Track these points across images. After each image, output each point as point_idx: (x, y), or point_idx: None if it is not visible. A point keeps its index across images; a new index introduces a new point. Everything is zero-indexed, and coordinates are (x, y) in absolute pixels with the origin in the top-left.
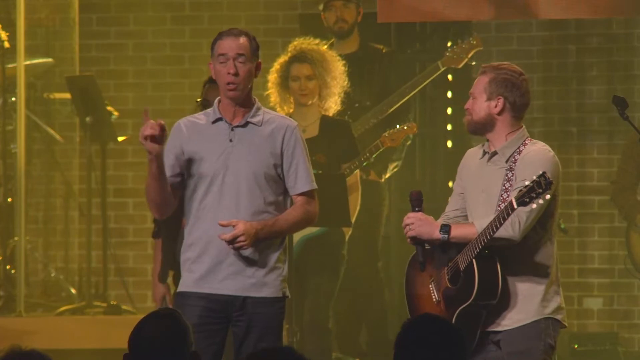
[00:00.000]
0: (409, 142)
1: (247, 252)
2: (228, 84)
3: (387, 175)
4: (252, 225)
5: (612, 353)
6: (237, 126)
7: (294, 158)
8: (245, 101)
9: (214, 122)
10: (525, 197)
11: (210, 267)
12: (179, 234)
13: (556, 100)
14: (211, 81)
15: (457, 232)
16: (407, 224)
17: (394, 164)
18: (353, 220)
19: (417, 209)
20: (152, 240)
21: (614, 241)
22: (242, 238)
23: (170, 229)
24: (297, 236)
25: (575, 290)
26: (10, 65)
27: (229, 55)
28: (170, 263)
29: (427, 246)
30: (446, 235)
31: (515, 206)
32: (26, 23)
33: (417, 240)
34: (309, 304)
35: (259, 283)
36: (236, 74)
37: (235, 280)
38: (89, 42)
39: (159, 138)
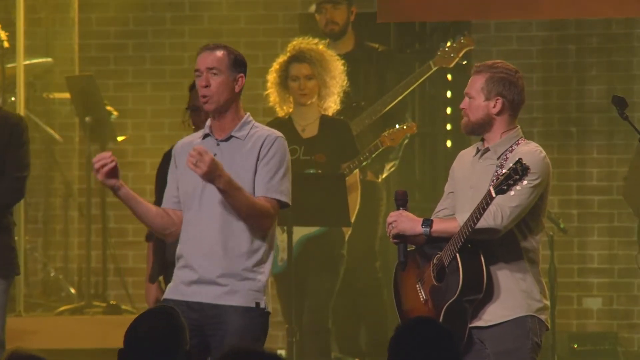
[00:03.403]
0: (405, 141)
1: (220, 260)
2: (203, 97)
3: (384, 175)
4: (219, 165)
5: (612, 353)
6: (222, 141)
7: (262, 161)
8: (231, 115)
9: (204, 137)
10: (502, 185)
11: (187, 276)
12: None
13: (556, 100)
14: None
15: (439, 226)
16: (390, 223)
17: (391, 164)
18: (352, 220)
19: (401, 208)
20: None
21: (614, 241)
22: (204, 157)
23: None
24: (297, 236)
25: (575, 290)
26: (9, 65)
27: (202, 69)
28: (161, 265)
29: (409, 247)
30: (428, 229)
31: (494, 194)
32: (26, 23)
33: (400, 238)
34: (308, 303)
35: (230, 291)
36: (206, 86)
37: (208, 289)
38: (89, 42)
39: (113, 171)
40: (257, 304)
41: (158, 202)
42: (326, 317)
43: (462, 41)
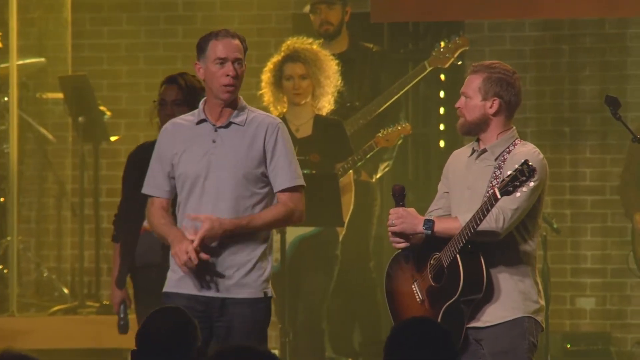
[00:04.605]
0: (399, 142)
1: (227, 253)
2: (226, 85)
3: (378, 175)
4: (221, 224)
5: (605, 353)
6: (221, 127)
7: (274, 155)
8: (232, 102)
9: (199, 123)
10: (508, 187)
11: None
12: (138, 238)
13: (549, 100)
14: (167, 82)
15: (440, 226)
16: (391, 220)
17: (385, 164)
18: (346, 220)
19: (400, 203)
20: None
21: (607, 241)
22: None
23: (129, 233)
24: (291, 236)
25: (568, 290)
26: (2, 65)
27: (229, 58)
28: (128, 267)
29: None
30: (429, 230)
31: (499, 196)
32: (19, 23)
33: (402, 237)
34: (302, 304)
35: (239, 284)
36: (236, 77)
37: (214, 282)
38: (82, 42)
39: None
40: (265, 293)
41: (125, 203)
42: (320, 318)
43: (457, 41)
